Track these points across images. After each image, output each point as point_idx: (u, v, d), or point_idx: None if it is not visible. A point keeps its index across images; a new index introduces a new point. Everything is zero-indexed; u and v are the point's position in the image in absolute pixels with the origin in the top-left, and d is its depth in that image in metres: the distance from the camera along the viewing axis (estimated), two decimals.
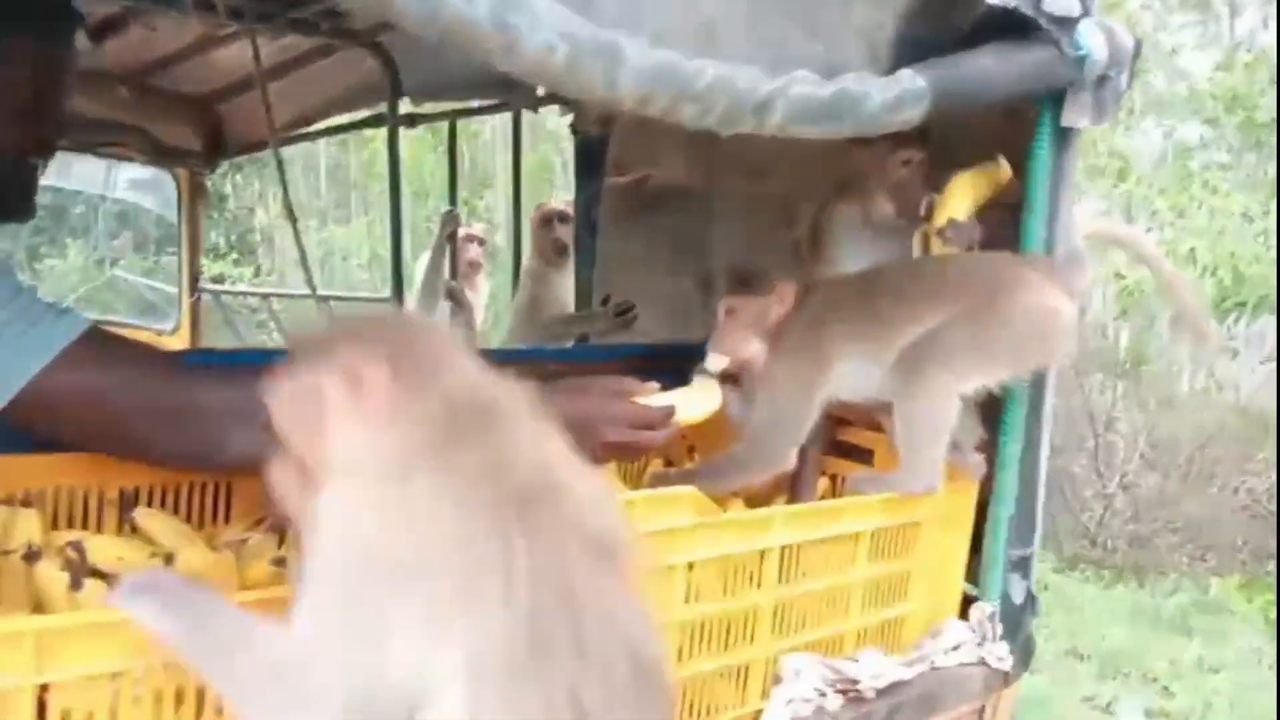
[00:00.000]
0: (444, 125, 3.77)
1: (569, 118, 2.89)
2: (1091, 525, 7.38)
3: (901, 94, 1.35)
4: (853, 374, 1.73)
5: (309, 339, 0.94)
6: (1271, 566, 6.67)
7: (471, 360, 0.93)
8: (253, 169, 11.03)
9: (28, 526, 1.23)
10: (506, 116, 3.71)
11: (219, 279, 8.86)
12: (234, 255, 11.95)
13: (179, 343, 4.05)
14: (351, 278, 11.30)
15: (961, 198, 1.82)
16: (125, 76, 3.38)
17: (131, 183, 4.18)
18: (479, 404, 0.89)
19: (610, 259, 2.80)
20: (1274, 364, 6.94)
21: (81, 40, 2.96)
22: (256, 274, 11.45)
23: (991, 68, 1.49)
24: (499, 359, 1.94)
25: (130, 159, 3.66)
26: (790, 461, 1.75)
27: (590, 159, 2.81)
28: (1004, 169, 1.84)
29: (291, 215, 2.78)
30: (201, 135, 3.69)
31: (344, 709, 0.79)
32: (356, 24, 2.88)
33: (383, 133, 3.35)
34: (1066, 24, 1.58)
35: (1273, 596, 6.40)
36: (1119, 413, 7.86)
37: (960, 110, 1.47)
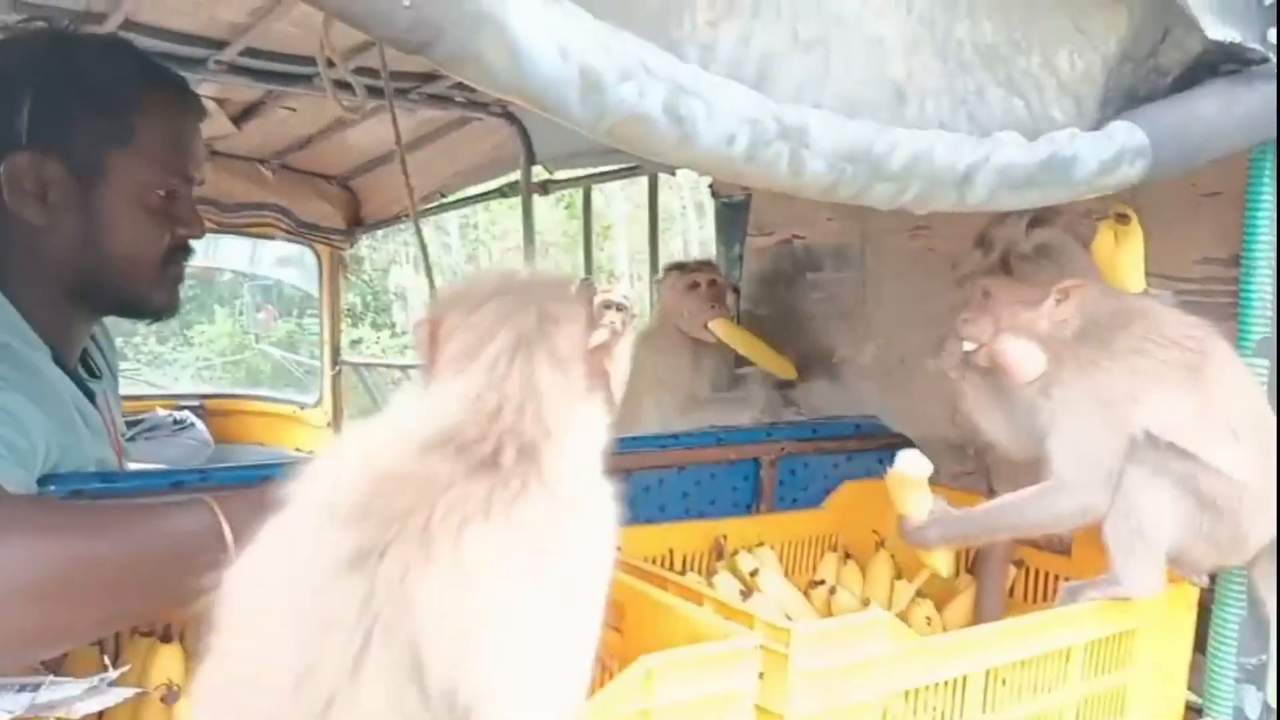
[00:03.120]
0: None
1: (707, 179, 2.77)
2: None
3: (1119, 152, 1.16)
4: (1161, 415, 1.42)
5: None
6: None
7: None
8: (387, 231, 11.39)
9: (168, 664, 1.15)
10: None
11: (357, 342, 9.09)
12: (370, 316, 12.32)
13: (321, 414, 4.09)
14: None
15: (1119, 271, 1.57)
16: (267, 158, 3.45)
17: (278, 260, 4.28)
18: None
19: (757, 323, 2.65)
20: None
21: (225, 125, 3.06)
22: (392, 334, 11.75)
23: (1215, 114, 1.29)
24: (632, 446, 1.84)
25: (273, 237, 3.73)
26: (1104, 506, 1.45)
27: (731, 221, 2.68)
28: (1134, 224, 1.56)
29: (432, 284, 2.73)
30: (340, 211, 3.73)
31: None
32: (490, 96, 2.85)
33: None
34: None
35: None
36: None
37: (1182, 167, 1.27)
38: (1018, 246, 1.48)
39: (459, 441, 0.76)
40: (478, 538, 0.72)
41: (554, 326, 0.83)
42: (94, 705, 0.93)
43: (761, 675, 1.11)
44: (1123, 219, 1.56)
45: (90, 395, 1.48)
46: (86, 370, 1.56)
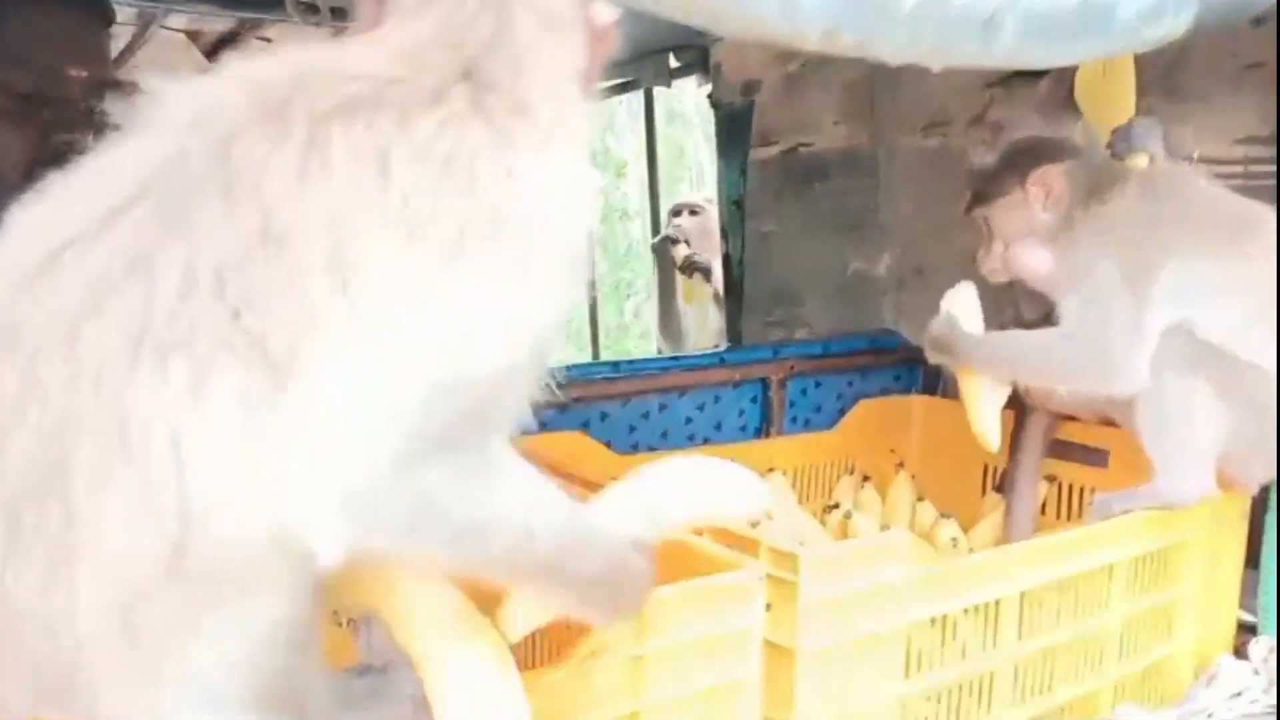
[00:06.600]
0: None
1: (706, 89, 2.61)
2: None
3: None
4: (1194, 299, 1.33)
5: None
6: None
7: None
8: None
9: None
10: (636, 95, 3.42)
11: None
12: None
13: None
14: None
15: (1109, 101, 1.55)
16: None
17: None
18: None
19: (764, 240, 2.52)
20: None
21: (198, 60, 2.92)
22: None
23: None
24: (630, 370, 1.73)
25: None
26: (1138, 376, 1.35)
27: (733, 132, 2.54)
28: None
29: None
30: None
31: None
32: None
33: None
34: None
35: None
36: None
37: (1229, 19, 1.12)
38: (981, 168, 1.55)
39: (387, 76, 0.64)
40: (363, 134, 0.61)
41: None
42: None
43: (769, 607, 0.99)
44: None
45: None
46: None
